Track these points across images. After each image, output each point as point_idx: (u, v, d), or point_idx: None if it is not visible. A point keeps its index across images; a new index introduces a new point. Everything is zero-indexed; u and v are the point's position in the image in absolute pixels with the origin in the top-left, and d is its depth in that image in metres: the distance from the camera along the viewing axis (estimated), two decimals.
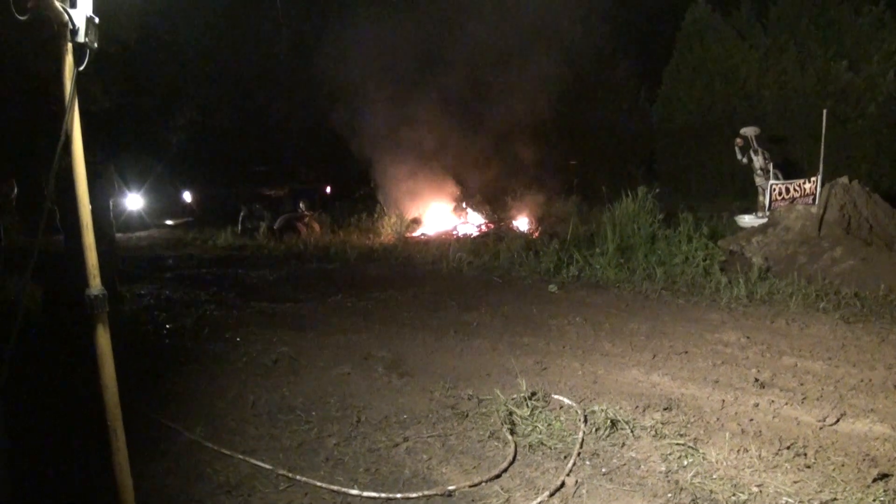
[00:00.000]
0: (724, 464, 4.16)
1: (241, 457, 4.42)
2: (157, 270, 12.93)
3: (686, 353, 6.70)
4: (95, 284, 2.53)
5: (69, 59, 2.57)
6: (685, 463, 4.19)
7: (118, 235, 13.26)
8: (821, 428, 4.72)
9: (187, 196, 28.58)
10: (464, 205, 20.41)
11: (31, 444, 4.39)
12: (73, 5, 2.52)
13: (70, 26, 2.50)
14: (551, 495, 3.87)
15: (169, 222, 25.91)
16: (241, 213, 21.04)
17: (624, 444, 4.49)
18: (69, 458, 4.36)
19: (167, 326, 8.26)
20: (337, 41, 22.06)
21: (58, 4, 2.41)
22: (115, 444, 2.63)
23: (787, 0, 20.50)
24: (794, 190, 13.57)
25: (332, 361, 6.64)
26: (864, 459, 4.20)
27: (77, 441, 4.48)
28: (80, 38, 2.55)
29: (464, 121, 21.67)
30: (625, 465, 4.22)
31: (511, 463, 4.26)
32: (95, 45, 2.62)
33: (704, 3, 22.73)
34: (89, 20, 2.57)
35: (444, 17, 22.07)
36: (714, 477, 4.00)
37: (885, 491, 3.78)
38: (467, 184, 21.40)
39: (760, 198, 14.91)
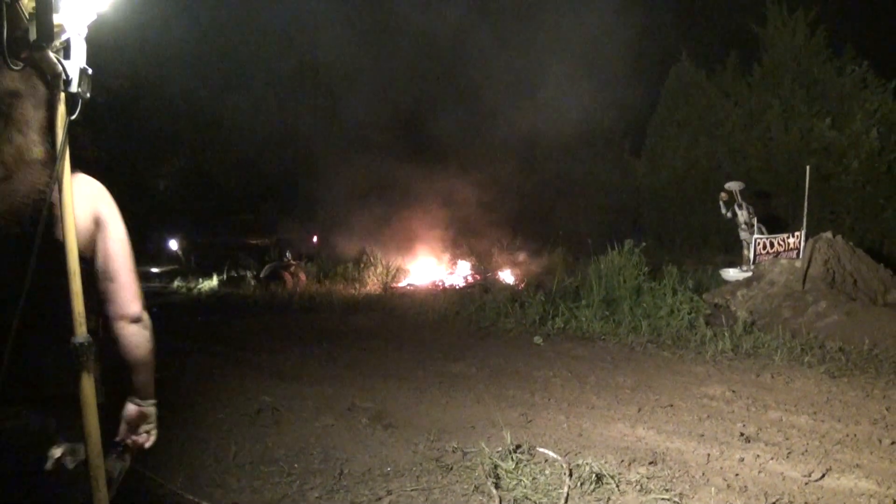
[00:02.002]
0: None
1: None
2: None
3: (671, 406, 6.69)
4: (81, 332, 2.52)
5: (61, 109, 2.59)
6: None
7: None
8: (806, 483, 4.70)
9: (173, 244, 28.52)
10: (451, 256, 20.47)
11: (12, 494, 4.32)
12: (67, 56, 2.55)
13: (63, 77, 2.53)
14: None
15: (154, 270, 25.81)
16: (227, 262, 21.02)
17: (609, 499, 4.46)
18: None
19: None
20: (324, 96, 22.35)
21: (52, 56, 2.44)
22: (97, 494, 2.59)
23: (770, 59, 20.85)
24: (779, 244, 13.71)
25: (315, 412, 6.60)
26: None
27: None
28: (73, 88, 2.57)
29: (451, 174, 21.84)
30: None
31: None
32: (88, 95, 2.64)
33: (688, 61, 23.11)
34: (83, 71, 2.60)
35: (433, 70, 22.38)
36: None
37: None
38: (454, 235, 21.49)
39: (745, 252, 15.02)
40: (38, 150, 2.31)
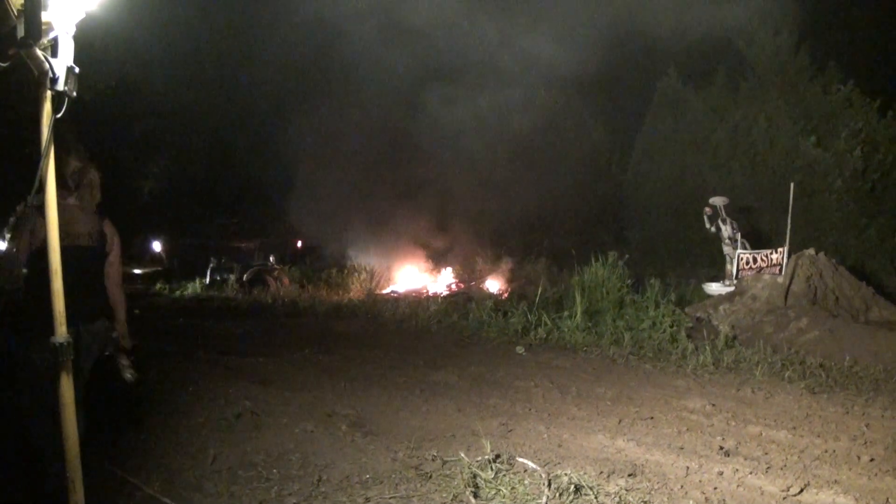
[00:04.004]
0: None
1: None
2: None
3: (652, 418, 6.70)
4: (61, 332, 2.51)
5: (47, 106, 2.58)
6: None
7: None
8: (784, 498, 4.71)
9: (157, 245, 28.37)
10: (435, 265, 20.49)
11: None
12: (55, 55, 2.54)
13: (50, 75, 2.52)
14: None
15: (137, 271, 25.67)
16: (211, 265, 20.93)
17: None
18: None
19: (128, 377, 8.11)
20: (314, 109, 22.33)
21: (40, 53, 2.43)
22: (74, 496, 2.57)
23: (757, 76, 20.99)
24: (762, 260, 13.77)
25: (295, 418, 6.56)
26: None
27: (33, 494, 4.37)
28: (60, 86, 2.56)
29: (437, 184, 21.85)
30: None
31: None
32: (74, 93, 2.63)
33: (676, 75, 23.20)
34: (69, 69, 2.59)
35: (421, 82, 22.41)
36: None
37: None
38: (439, 244, 21.50)
39: (728, 266, 15.09)
40: (98, 198, 4.47)
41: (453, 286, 18.75)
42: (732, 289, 13.53)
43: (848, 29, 22.80)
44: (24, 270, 3.94)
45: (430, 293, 17.94)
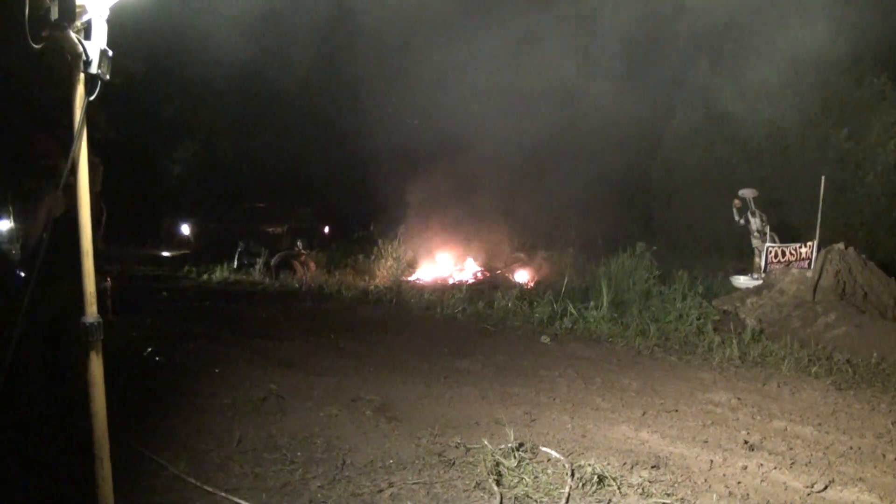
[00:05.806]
0: None
1: (223, 494, 4.37)
2: (151, 302, 12.87)
3: (676, 411, 6.68)
4: (91, 312, 2.53)
5: (80, 89, 2.60)
6: None
7: None
8: (808, 494, 4.68)
9: (185, 229, 28.52)
10: (461, 252, 20.47)
11: (12, 471, 4.35)
12: (88, 37, 2.56)
13: (84, 57, 2.54)
14: None
15: (165, 254, 25.85)
16: (238, 249, 21.00)
17: (610, 501, 4.45)
18: (51, 489, 4.31)
19: (157, 359, 8.21)
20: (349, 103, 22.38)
21: (73, 36, 2.45)
22: (101, 473, 2.60)
23: (789, 67, 20.71)
24: (790, 253, 13.64)
25: (320, 402, 6.60)
26: None
27: (61, 470, 4.43)
28: (93, 69, 2.58)
29: (465, 171, 21.81)
30: None
31: None
32: (107, 76, 2.65)
33: (707, 64, 22.95)
34: (103, 52, 2.61)
35: (452, 70, 22.32)
36: None
37: None
38: (466, 231, 21.45)
39: (756, 259, 14.94)
40: (98, 186, 4.87)
41: (479, 274, 18.70)
42: (760, 282, 13.41)
43: (882, 21, 22.44)
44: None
45: (456, 281, 17.91)
